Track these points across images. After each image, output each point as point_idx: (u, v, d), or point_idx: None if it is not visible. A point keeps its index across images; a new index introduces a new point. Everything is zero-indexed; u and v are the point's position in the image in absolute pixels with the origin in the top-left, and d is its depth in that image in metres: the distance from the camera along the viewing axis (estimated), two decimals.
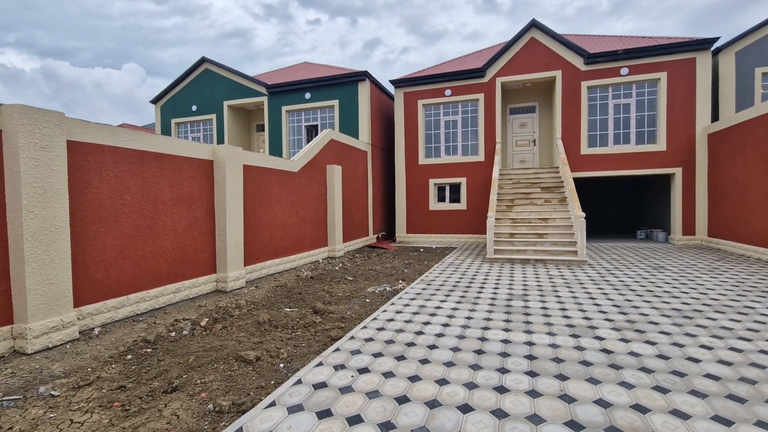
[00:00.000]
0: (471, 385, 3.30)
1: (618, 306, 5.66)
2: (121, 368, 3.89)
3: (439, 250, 12.50)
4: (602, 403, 2.96)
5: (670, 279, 7.39)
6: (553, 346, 4.16)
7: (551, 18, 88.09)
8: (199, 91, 16.97)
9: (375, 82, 15.36)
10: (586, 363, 3.71)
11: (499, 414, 2.85)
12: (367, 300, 6.47)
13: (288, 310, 5.95)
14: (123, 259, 5.49)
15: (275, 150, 15.87)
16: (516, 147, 15.61)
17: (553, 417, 2.80)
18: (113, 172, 5.37)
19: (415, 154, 15.27)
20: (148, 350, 4.39)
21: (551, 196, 11.85)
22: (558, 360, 3.79)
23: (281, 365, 3.90)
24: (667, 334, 4.47)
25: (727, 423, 2.69)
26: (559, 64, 13.66)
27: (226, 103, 16.54)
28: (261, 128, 17.93)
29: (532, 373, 3.51)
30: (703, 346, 4.06)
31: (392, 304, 6.01)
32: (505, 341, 4.33)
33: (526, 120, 15.54)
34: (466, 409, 2.94)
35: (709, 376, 3.40)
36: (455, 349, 4.10)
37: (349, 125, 14.77)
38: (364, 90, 14.63)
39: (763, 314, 5.12)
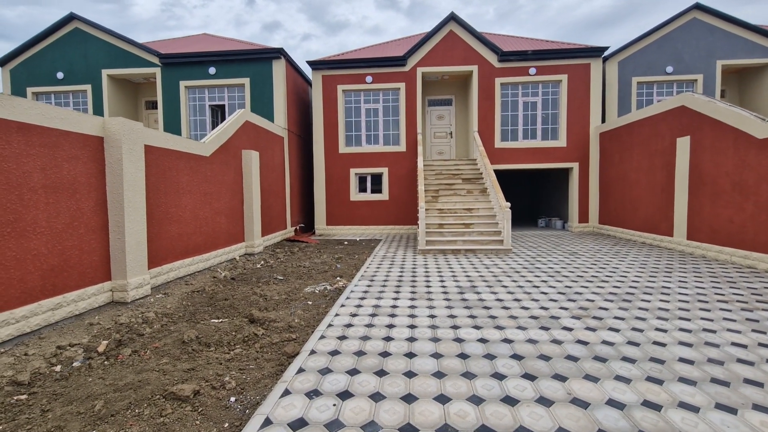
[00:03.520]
0: (476, 400, 2.87)
1: (563, 293, 5.82)
2: None
3: (364, 243, 12.04)
4: (616, 405, 2.78)
5: (589, 264, 7.99)
6: (531, 341, 3.98)
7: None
8: (68, 54, 13.78)
9: (291, 62, 14.14)
10: (572, 358, 3.57)
11: None
12: (309, 302, 5.70)
13: (216, 321, 4.90)
14: None
15: (171, 131, 13.66)
16: (434, 138, 15.82)
17: (578, 428, 2.52)
18: None
19: (335, 143, 14.51)
20: (22, 396, 3.10)
21: (472, 187, 12.19)
22: (545, 357, 3.59)
23: (232, 399, 3.03)
24: (622, 319, 4.63)
25: (732, 411, 2.69)
26: (476, 60, 14.10)
27: (105, 72, 13.71)
28: (152, 105, 15.34)
29: (529, 376, 3.22)
30: (658, 329, 4.25)
31: (342, 306, 5.35)
32: (482, 340, 4.03)
33: (443, 112, 15.84)
34: None
35: (682, 360, 3.49)
36: (437, 356, 3.66)
37: (263, 107, 13.37)
38: (279, 69, 13.34)
39: (681, 293, 5.68)
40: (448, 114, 15.81)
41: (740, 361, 3.45)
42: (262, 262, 9.01)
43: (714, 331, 4.16)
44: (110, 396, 3.07)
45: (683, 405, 2.76)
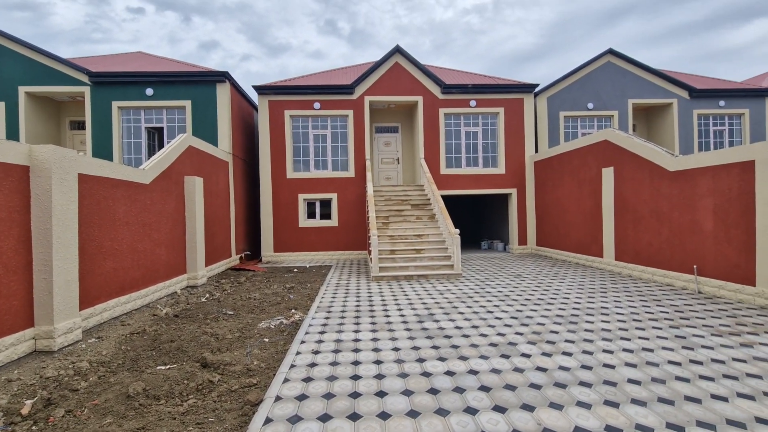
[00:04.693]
0: None
1: (516, 318, 6.10)
2: None
3: (315, 270, 11.78)
4: None
5: (534, 286, 8.47)
6: (495, 371, 4.10)
7: (385, 48, 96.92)
8: None
9: (236, 86, 13.80)
10: (535, 386, 3.72)
11: None
12: (266, 339, 5.42)
13: (163, 368, 4.48)
14: None
15: (102, 154, 12.60)
16: (382, 164, 16.13)
17: None
18: None
19: (283, 168, 14.25)
20: None
21: (421, 213, 12.51)
22: (511, 387, 3.71)
23: None
24: (572, 342, 4.94)
25: (680, 429, 2.95)
26: (421, 91, 14.75)
27: (23, 90, 12.40)
28: (78, 125, 14.09)
29: (499, 409, 3.31)
30: (605, 351, 4.59)
31: (303, 342, 5.15)
32: (449, 373, 4.07)
33: (391, 139, 16.26)
34: None
35: (631, 381, 3.79)
36: (408, 393, 3.64)
37: (206, 131, 12.83)
38: (224, 93, 12.96)
39: (618, 313, 6.20)
40: (395, 141, 16.25)
41: (678, 378, 3.82)
42: (207, 294, 8.46)
43: (652, 350, 4.58)
44: None
45: (639, 427, 2.98)
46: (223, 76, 12.88)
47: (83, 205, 5.81)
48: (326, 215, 14.62)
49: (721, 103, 15.96)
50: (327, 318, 6.33)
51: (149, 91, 12.79)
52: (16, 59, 12.42)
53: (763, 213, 6.38)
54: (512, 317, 6.14)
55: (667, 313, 6.18)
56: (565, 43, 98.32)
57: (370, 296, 7.91)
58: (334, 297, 7.90)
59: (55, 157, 5.13)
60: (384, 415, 3.24)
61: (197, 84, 12.88)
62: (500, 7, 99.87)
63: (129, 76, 12.63)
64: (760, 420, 3.05)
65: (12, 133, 12.32)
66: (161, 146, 13.75)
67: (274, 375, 4.16)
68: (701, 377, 3.83)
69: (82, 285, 5.71)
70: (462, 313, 6.43)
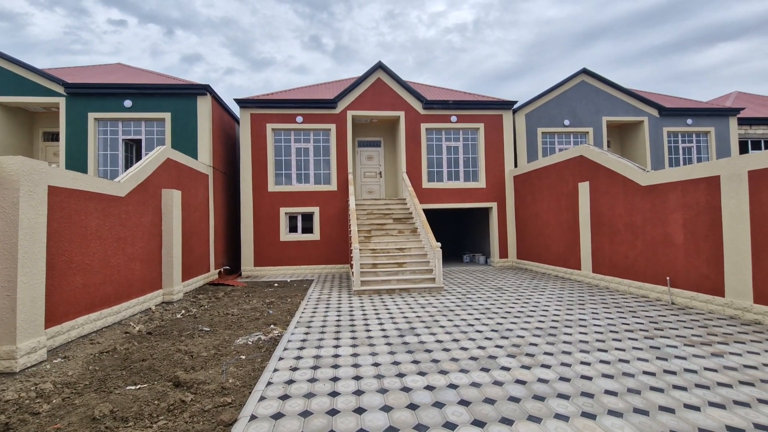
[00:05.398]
0: None
1: (496, 330, 6.12)
2: None
3: (296, 284, 11.61)
4: None
5: (514, 298, 8.54)
6: (475, 385, 4.08)
7: (368, 64, 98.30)
8: None
9: (217, 99, 13.72)
10: (514, 399, 3.72)
11: None
12: (243, 356, 5.28)
13: (133, 388, 4.30)
14: None
15: (76, 166, 12.26)
16: (364, 178, 16.18)
17: None
18: None
19: (264, 181, 14.13)
20: None
21: (403, 227, 12.54)
22: (490, 401, 3.70)
23: None
24: (551, 354, 4.98)
25: None
26: (403, 106, 14.96)
27: None
28: (52, 137, 13.72)
29: (478, 423, 3.28)
30: (583, 363, 4.64)
31: (281, 359, 5.04)
32: (429, 387, 4.04)
33: (373, 153, 16.36)
34: None
35: (608, 392, 3.83)
36: (387, 409, 3.58)
37: (185, 144, 12.67)
38: (204, 105, 12.85)
39: (595, 325, 6.30)
40: (377, 155, 16.35)
41: (653, 389, 3.88)
42: (183, 311, 8.22)
43: (628, 361, 4.65)
44: None
45: None
46: (205, 89, 12.80)
47: (53, 218, 5.62)
48: (308, 229, 14.50)
49: (689, 121, 16.69)
50: (307, 333, 6.22)
51: (128, 103, 12.59)
52: None
53: (730, 226, 6.63)
54: (492, 330, 6.16)
55: (642, 324, 6.30)
56: (542, 63, 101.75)
57: (351, 311, 7.83)
58: (314, 312, 7.78)
59: (24, 169, 4.97)
60: None
61: (177, 96, 12.75)
62: (480, 27, 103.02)
63: (107, 88, 12.42)
64: (730, 428, 3.11)
65: None
66: (139, 158, 13.47)
67: (250, 393, 4.04)
68: (675, 387, 3.90)
69: (48, 302, 5.47)
70: (443, 327, 6.42)
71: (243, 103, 14.02)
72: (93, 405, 3.85)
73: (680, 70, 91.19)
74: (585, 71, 16.08)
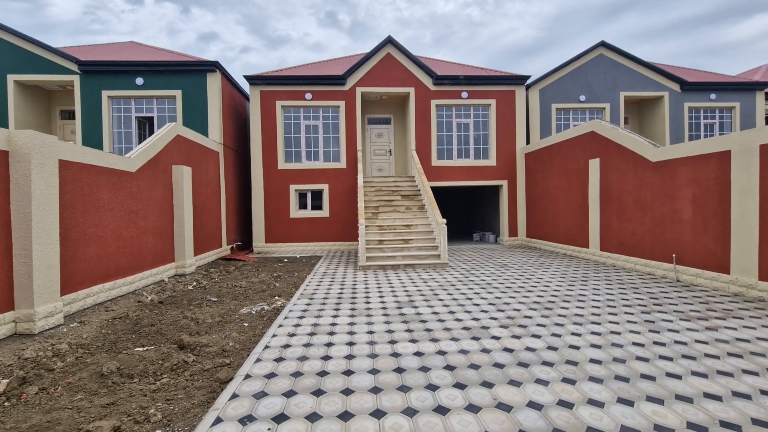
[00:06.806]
0: (410, 411, 2.99)
1: (493, 304, 6.20)
2: None
3: (304, 260, 11.88)
4: (535, 406, 3.04)
5: (517, 275, 8.58)
6: (463, 351, 4.20)
7: None
8: None
9: (227, 76, 13.79)
10: (499, 365, 3.83)
11: None
12: (246, 324, 5.52)
13: (141, 349, 4.58)
14: None
15: (92, 143, 12.62)
16: (374, 156, 16.17)
17: (502, 430, 2.72)
18: None
19: (274, 158, 14.29)
20: None
21: (411, 204, 12.58)
22: (475, 366, 3.82)
23: None
24: (543, 326, 5.05)
25: (630, 403, 3.06)
26: (413, 82, 14.75)
27: (11, 78, 12.39)
28: (69, 115, 14.09)
29: (460, 386, 3.41)
30: (573, 334, 4.70)
31: (280, 326, 5.25)
32: (418, 353, 4.18)
33: (383, 130, 16.28)
34: None
35: (593, 361, 3.90)
36: (374, 371, 3.74)
37: (196, 121, 12.85)
38: (214, 82, 12.95)
39: (594, 300, 6.31)
40: (387, 132, 16.27)
41: (639, 358, 3.92)
42: (195, 283, 8.55)
43: (619, 333, 4.69)
44: None
45: (591, 402, 3.09)
46: (214, 66, 12.87)
47: (65, 191, 5.87)
48: (317, 206, 14.69)
49: (712, 96, 15.99)
50: (308, 304, 6.43)
51: (139, 81, 12.79)
52: (5, 48, 12.38)
53: (738, 202, 6.47)
54: (490, 303, 6.24)
55: (642, 299, 6.29)
56: (564, 37, 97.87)
57: (354, 285, 8.01)
58: (318, 285, 8.00)
59: (35, 142, 5.19)
60: (347, 392, 3.34)
61: (187, 74, 12.86)
62: None
63: (118, 65, 12.62)
64: (707, 395, 3.15)
65: (1, 122, 12.32)
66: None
67: (248, 356, 4.26)
68: (661, 357, 3.94)
69: (64, 270, 5.79)
70: (441, 300, 6.54)
71: (252, 80, 14.06)
72: (102, 363, 4.12)
73: (711, 44, 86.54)
74: (603, 44, 15.47)
